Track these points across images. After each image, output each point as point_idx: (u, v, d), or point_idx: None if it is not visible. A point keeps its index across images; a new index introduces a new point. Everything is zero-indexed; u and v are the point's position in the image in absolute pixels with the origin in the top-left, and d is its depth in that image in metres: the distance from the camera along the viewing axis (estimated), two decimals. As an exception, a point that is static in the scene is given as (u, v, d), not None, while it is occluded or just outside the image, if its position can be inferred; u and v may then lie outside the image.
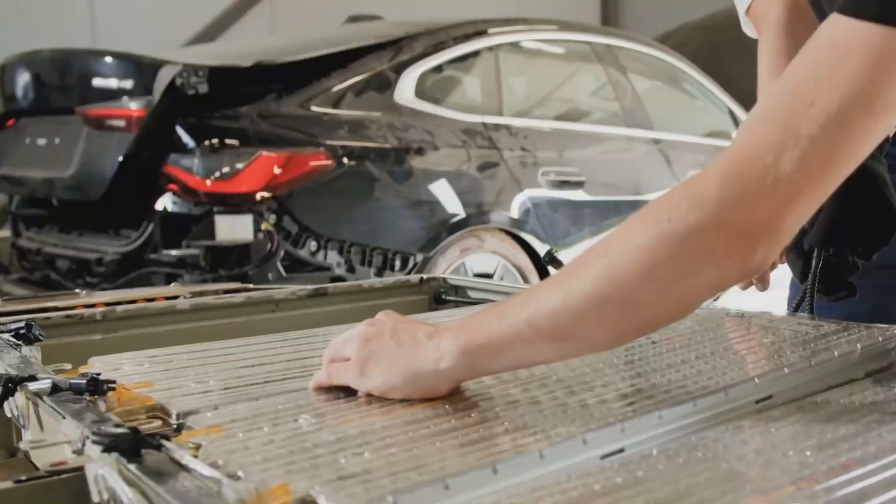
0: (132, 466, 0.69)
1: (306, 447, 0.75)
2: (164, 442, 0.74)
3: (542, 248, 3.56)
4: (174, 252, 3.05)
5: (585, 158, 3.89)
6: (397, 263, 3.19)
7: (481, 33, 3.77)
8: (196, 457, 0.73)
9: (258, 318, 1.55)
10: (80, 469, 0.74)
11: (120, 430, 0.72)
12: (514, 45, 4.01)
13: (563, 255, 3.98)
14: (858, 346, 0.99)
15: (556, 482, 0.66)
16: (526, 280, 3.50)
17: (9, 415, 0.94)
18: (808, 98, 0.76)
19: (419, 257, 3.24)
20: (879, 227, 1.08)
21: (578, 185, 3.76)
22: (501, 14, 4.13)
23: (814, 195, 0.77)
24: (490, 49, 3.78)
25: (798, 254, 1.17)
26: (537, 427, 0.78)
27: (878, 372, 0.98)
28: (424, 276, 1.76)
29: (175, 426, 0.85)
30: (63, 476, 0.80)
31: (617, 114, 4.21)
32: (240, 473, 0.69)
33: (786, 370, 0.91)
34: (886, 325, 1.07)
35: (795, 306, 1.18)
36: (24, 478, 0.79)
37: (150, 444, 0.72)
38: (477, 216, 3.42)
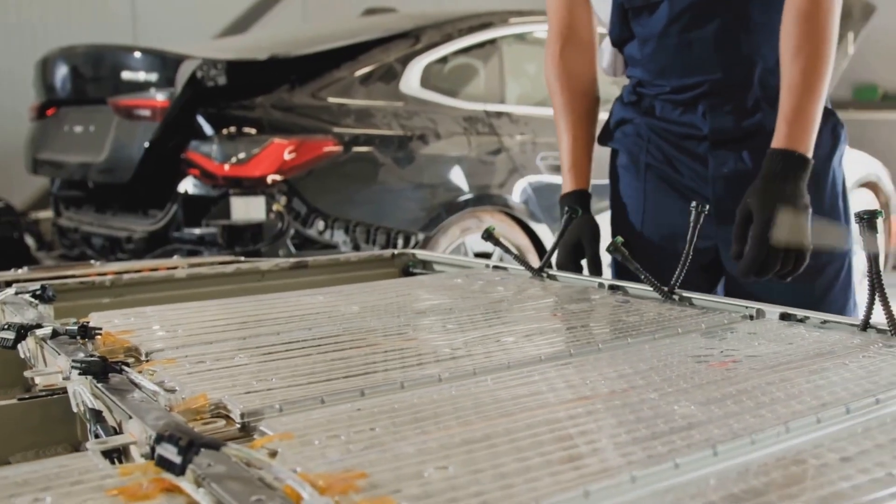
0: (100, 385, 0.94)
1: (233, 374, 1.00)
2: (125, 367, 0.99)
3: (539, 229, 3.77)
4: (195, 231, 3.33)
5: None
6: (400, 242, 3.43)
7: (486, 25, 3.98)
8: (151, 379, 0.98)
9: (246, 286, 1.80)
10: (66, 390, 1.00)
11: (93, 359, 0.98)
12: (518, 37, 4.20)
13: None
14: (703, 325, 1.21)
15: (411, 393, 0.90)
16: (524, 258, 3.71)
17: (22, 356, 1.21)
18: None
19: (420, 236, 3.47)
20: None
21: (576, 169, 3.95)
22: (524, 6, 4.30)
23: None
24: (493, 41, 3.99)
25: None
26: (409, 367, 1.02)
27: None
28: (396, 251, 1.98)
29: (144, 361, 1.10)
30: (54, 396, 1.06)
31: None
32: (176, 388, 0.94)
33: (629, 340, 1.14)
34: (743, 306, 1.28)
35: (671, 285, 1.39)
36: (26, 396, 1.05)
37: (114, 369, 0.97)
38: (476, 199, 3.64)
